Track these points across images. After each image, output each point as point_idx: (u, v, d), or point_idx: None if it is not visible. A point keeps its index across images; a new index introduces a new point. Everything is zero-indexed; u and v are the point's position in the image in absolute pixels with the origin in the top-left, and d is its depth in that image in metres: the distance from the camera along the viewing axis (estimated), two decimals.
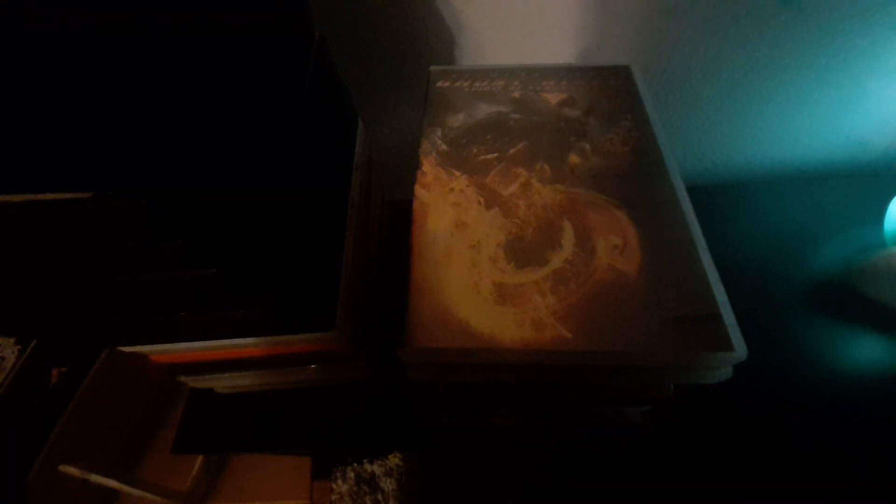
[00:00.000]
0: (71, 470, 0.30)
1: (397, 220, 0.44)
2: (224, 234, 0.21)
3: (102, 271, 0.21)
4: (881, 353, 0.36)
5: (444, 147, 0.29)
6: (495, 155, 0.29)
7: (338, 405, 0.33)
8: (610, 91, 0.33)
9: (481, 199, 0.27)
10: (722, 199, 0.47)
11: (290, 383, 0.32)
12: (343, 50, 0.42)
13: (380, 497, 0.32)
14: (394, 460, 0.33)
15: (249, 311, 0.24)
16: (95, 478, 0.31)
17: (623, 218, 0.25)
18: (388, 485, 0.32)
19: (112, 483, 0.31)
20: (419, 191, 0.27)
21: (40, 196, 0.17)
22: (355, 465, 0.33)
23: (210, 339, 0.26)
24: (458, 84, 0.34)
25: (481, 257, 0.24)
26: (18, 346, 0.36)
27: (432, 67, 0.35)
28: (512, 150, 0.29)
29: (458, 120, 0.31)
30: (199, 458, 0.34)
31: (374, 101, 0.47)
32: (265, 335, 0.26)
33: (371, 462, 0.33)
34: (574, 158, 0.28)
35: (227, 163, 0.21)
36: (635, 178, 0.27)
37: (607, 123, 0.30)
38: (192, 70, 0.20)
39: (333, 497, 0.32)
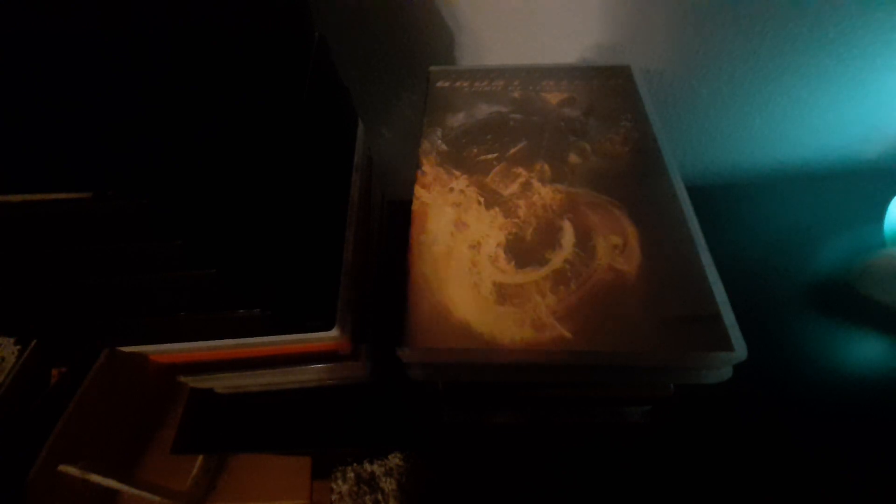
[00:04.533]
0: (71, 470, 0.30)
1: (397, 220, 0.44)
2: (224, 234, 0.21)
3: (102, 271, 0.21)
4: (881, 353, 0.36)
5: (444, 147, 0.29)
6: (495, 155, 0.29)
7: (338, 405, 0.33)
8: (610, 91, 0.33)
9: (481, 199, 0.27)
10: (722, 199, 0.47)
11: (290, 383, 0.32)
12: (343, 50, 0.42)
13: (380, 497, 0.32)
14: (394, 460, 0.33)
15: (249, 311, 0.24)
16: (95, 478, 0.31)
17: (623, 218, 0.25)
18: (388, 485, 0.32)
19: (112, 483, 0.31)
20: (419, 191, 0.27)
21: (40, 196, 0.17)
22: (355, 465, 0.33)
23: (210, 339, 0.26)
24: (458, 84, 0.34)
25: (481, 257, 0.24)
26: (18, 346, 0.36)
27: (432, 67, 0.35)
28: (512, 150, 0.29)
29: (458, 120, 0.31)
30: (199, 458, 0.34)
31: (374, 101, 0.47)
32: (265, 335, 0.26)
33: (371, 462, 0.33)
34: (574, 158, 0.28)
35: (228, 163, 0.21)
36: (635, 178, 0.27)
37: (607, 123, 0.30)
38: (193, 70, 0.20)
39: (333, 497, 0.32)
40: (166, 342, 0.26)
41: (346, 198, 0.32)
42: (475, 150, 0.29)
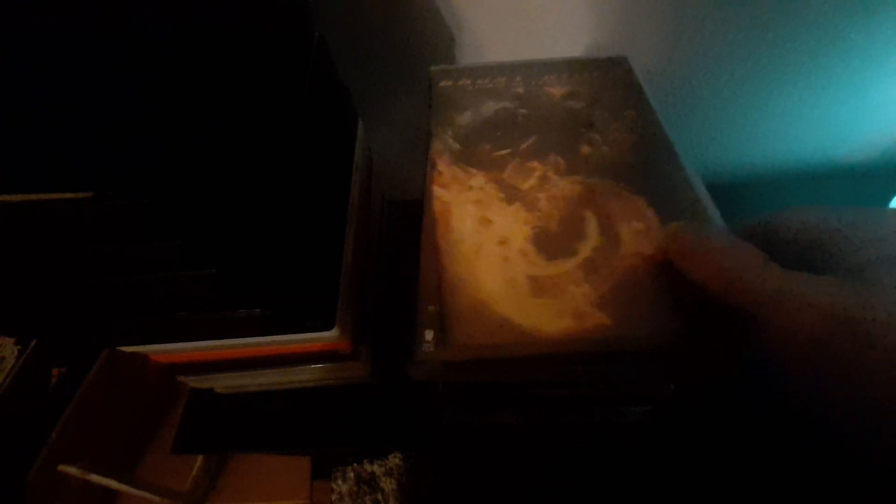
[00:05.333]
0: (71, 470, 0.30)
1: (397, 220, 0.44)
2: (224, 234, 0.21)
3: (102, 271, 0.21)
4: None
5: (457, 146, 0.30)
6: (508, 150, 0.29)
7: (338, 405, 0.33)
8: (610, 82, 0.33)
9: (502, 195, 0.27)
10: (722, 199, 0.47)
11: (290, 383, 0.32)
12: (343, 50, 0.42)
13: (380, 497, 0.32)
14: (394, 460, 0.33)
15: (249, 311, 0.24)
16: (95, 478, 0.31)
17: (641, 204, 0.25)
18: (388, 485, 0.32)
19: (112, 483, 0.31)
20: (438, 190, 0.27)
21: (40, 196, 0.17)
22: (355, 465, 0.33)
23: (210, 339, 0.26)
24: (461, 83, 0.34)
25: (511, 252, 0.24)
26: (18, 346, 0.36)
27: (433, 67, 0.35)
28: (524, 145, 0.29)
29: (466, 118, 0.31)
30: (199, 458, 0.34)
31: (374, 101, 0.47)
32: (265, 335, 0.26)
33: (371, 462, 0.33)
34: (586, 149, 0.29)
35: (228, 162, 0.21)
36: (647, 165, 0.27)
37: (613, 113, 0.31)
38: (193, 70, 0.20)
39: (333, 497, 0.32)
40: (166, 342, 0.26)
41: (346, 198, 0.32)
42: (488, 147, 0.29)
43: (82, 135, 0.18)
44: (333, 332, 0.26)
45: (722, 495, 0.31)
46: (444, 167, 0.28)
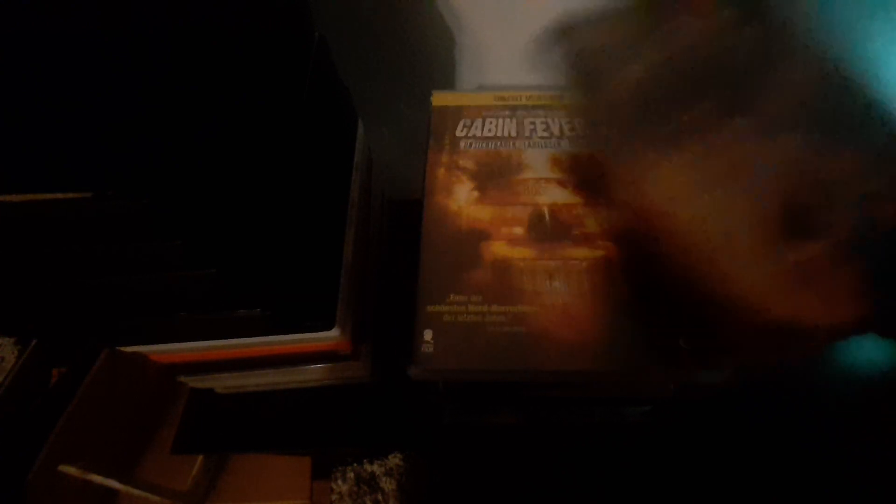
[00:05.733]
0: (71, 470, 0.30)
1: (397, 220, 0.44)
2: (224, 234, 0.21)
3: (102, 271, 0.21)
4: (881, 352, 0.36)
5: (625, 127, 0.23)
6: (686, 116, 0.22)
7: (338, 405, 0.33)
8: None
9: (700, 179, 0.21)
10: None
11: (290, 383, 0.32)
12: (343, 50, 0.42)
13: (380, 497, 0.32)
14: (394, 460, 0.33)
15: (249, 311, 0.24)
16: (95, 478, 0.31)
17: (858, 156, 0.20)
18: (388, 485, 0.32)
19: (112, 483, 0.31)
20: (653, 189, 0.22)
21: (40, 196, 0.17)
22: (355, 465, 0.33)
23: (210, 339, 0.26)
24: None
25: (756, 241, 0.20)
26: (18, 346, 0.36)
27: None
28: (701, 105, 0.22)
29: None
30: (199, 458, 0.34)
31: (374, 101, 0.47)
32: (265, 335, 0.26)
33: (371, 462, 0.33)
34: (774, 100, 0.22)
35: (228, 162, 0.21)
36: (842, 107, 0.23)
37: (775, 38, 0.24)
38: (193, 70, 0.20)
39: (333, 497, 0.32)
40: (166, 342, 0.26)
41: (346, 198, 0.32)
42: (663, 118, 0.22)
43: (82, 135, 0.18)
44: (333, 332, 0.26)
45: (722, 495, 0.31)
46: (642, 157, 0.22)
